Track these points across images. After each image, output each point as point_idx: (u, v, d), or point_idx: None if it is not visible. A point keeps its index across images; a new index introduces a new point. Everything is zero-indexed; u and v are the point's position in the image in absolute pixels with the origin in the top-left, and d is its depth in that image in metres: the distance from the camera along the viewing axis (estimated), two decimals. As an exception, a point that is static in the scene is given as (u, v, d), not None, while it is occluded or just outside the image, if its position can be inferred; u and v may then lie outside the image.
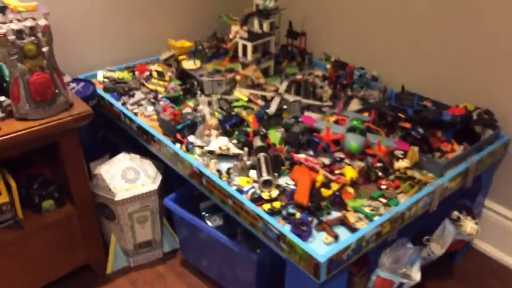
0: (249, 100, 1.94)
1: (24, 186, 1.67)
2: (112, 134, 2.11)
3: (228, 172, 1.53)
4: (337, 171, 1.50)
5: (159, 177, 1.83)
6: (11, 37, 1.35)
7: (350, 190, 1.45)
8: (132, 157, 1.84)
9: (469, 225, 1.63)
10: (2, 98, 1.48)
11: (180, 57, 2.25)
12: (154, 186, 1.79)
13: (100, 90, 2.01)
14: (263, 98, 1.93)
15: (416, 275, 1.46)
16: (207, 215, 1.74)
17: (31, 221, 1.66)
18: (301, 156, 1.55)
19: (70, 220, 1.72)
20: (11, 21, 1.38)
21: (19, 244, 1.62)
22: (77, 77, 2.05)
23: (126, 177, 1.77)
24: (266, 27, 2.20)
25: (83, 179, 1.69)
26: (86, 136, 1.73)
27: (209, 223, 1.70)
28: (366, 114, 1.81)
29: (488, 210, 1.95)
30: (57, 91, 1.47)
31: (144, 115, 1.87)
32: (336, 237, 1.27)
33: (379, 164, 1.53)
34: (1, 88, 1.53)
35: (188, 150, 1.63)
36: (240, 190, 1.44)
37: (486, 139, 1.68)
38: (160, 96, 1.93)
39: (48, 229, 1.68)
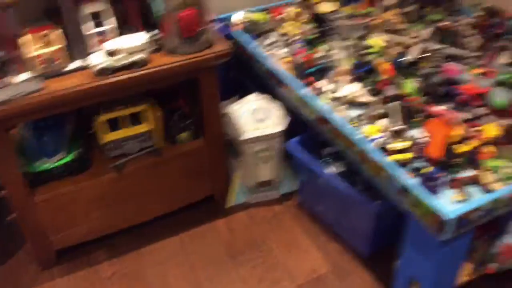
0: (387, 47, 1.84)
1: (168, 119, 1.82)
2: (243, 75, 2.18)
3: (358, 118, 1.50)
4: (478, 128, 1.38)
5: (287, 119, 1.87)
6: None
7: (491, 148, 1.33)
8: (262, 98, 1.90)
9: None
10: (155, 31, 1.59)
11: None
12: (281, 127, 1.83)
13: (235, 32, 2.06)
14: (403, 45, 1.81)
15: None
16: (329, 160, 1.74)
17: (169, 150, 1.82)
18: (439, 108, 1.45)
19: (201, 153, 1.86)
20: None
21: (157, 169, 1.80)
22: (218, 17, 2.12)
23: (255, 116, 1.84)
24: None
25: (217, 116, 1.80)
26: (219, 75, 1.82)
27: (330, 170, 1.71)
28: (518, 68, 1.62)
29: None
30: (202, 28, 1.55)
31: (278, 57, 1.88)
32: (467, 197, 1.19)
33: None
34: (153, 24, 1.65)
35: (317, 94, 1.62)
36: (368, 139, 1.41)
37: None
38: (295, 38, 1.92)
39: (182, 158, 1.83)
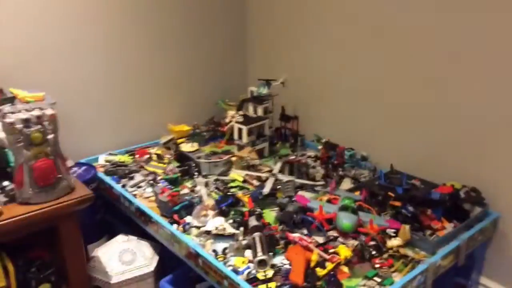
0: (245, 181, 2.00)
1: (22, 270, 1.67)
2: (111, 216, 2.14)
3: (224, 252, 1.54)
4: (331, 250, 1.52)
5: (156, 258, 1.84)
6: (19, 126, 1.43)
7: (345, 269, 1.46)
8: (129, 239, 1.86)
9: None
10: (6, 183, 1.53)
11: (179, 141, 2.35)
12: (151, 268, 1.79)
13: (101, 173, 2.07)
14: (258, 178, 1.99)
15: None
16: (203, 296, 1.73)
17: (26, 306, 1.64)
18: (296, 235, 1.57)
19: (65, 304, 1.70)
20: (19, 111, 1.46)
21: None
22: (79, 161, 2.12)
23: (122, 259, 1.78)
24: (260, 111, 2.32)
25: (81, 262, 1.69)
26: (85, 218, 1.76)
27: (205, 305, 1.69)
28: (357, 193, 1.87)
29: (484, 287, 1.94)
30: (59, 176, 1.53)
31: (143, 197, 1.92)
32: (331, 317, 1.27)
33: (372, 243, 1.55)
34: (5, 173, 1.59)
35: (185, 230, 1.66)
36: (236, 271, 1.45)
37: (475, 216, 1.72)
38: (159, 178, 1.99)
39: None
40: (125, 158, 2.20)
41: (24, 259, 1.69)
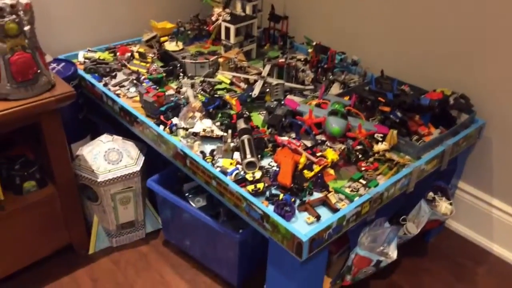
0: (232, 83, 1.94)
1: (5, 167, 1.64)
2: (93, 115, 2.08)
3: (212, 154, 1.53)
4: (318, 153, 1.51)
5: (142, 159, 1.83)
6: (-9, 15, 1.31)
7: (331, 171, 1.47)
8: (114, 139, 1.83)
9: (443, 206, 1.69)
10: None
11: (162, 39, 2.23)
12: (137, 167, 1.78)
13: (81, 71, 1.97)
14: (246, 81, 1.93)
15: (393, 253, 1.50)
16: (190, 196, 1.74)
17: (13, 202, 1.63)
18: (284, 138, 1.56)
19: (52, 201, 1.70)
20: (-10, -1, 1.33)
21: (0, 225, 1.60)
22: (57, 57, 2.01)
23: (108, 158, 1.76)
24: (248, 9, 2.18)
25: (65, 160, 1.67)
26: (67, 117, 1.70)
27: (192, 204, 1.71)
28: (347, 98, 1.83)
29: (462, 191, 2.01)
30: (39, 71, 1.44)
31: (127, 97, 1.85)
32: (318, 217, 1.29)
33: (359, 147, 1.55)
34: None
35: (171, 131, 1.62)
36: (224, 172, 1.45)
37: (462, 123, 1.72)
38: (142, 77, 1.91)
39: (30, 210, 1.66)
40: (106, 56, 2.09)
41: (7, 157, 1.66)
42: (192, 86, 1.87)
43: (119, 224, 1.87)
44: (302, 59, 2.12)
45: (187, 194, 1.74)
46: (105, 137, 1.83)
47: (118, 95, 1.85)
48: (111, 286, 1.77)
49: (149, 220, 1.96)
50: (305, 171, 1.43)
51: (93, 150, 1.78)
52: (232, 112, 1.70)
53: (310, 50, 2.11)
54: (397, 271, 1.87)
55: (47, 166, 1.67)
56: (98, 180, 1.72)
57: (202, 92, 1.84)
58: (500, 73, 1.76)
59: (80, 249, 1.86)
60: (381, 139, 1.58)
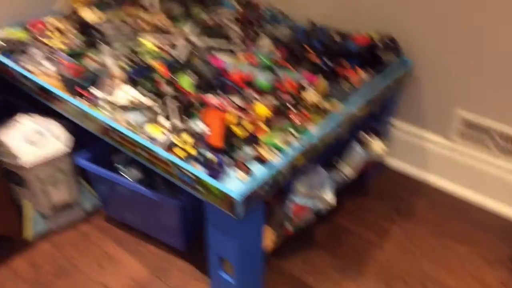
0: (157, 47, 1.81)
1: None
2: (12, 96, 1.90)
3: (138, 123, 1.42)
4: (250, 110, 1.44)
5: (68, 136, 1.69)
6: None
7: (263, 126, 1.40)
8: (34, 119, 1.68)
9: (376, 145, 1.68)
10: None
11: (78, 7, 2.04)
12: (63, 146, 1.65)
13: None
14: (172, 44, 1.80)
15: (331, 198, 1.48)
16: (123, 168, 1.64)
17: None
18: (213, 98, 1.47)
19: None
20: None
21: None
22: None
23: (30, 140, 1.62)
24: (168, -32, 2.03)
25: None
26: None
27: (126, 176, 1.61)
28: (276, 51, 1.75)
29: (398, 130, 2.02)
30: None
31: (44, 74, 1.68)
32: (250, 174, 1.24)
33: (290, 99, 1.49)
34: None
35: (94, 105, 1.50)
36: (152, 140, 1.35)
37: (391, 65, 1.69)
38: (60, 52, 1.74)
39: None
40: (17, 33, 1.89)
41: None
42: (114, 55, 1.73)
43: (53, 206, 1.75)
44: (229, 17, 2.01)
45: (118, 166, 1.64)
46: (26, 119, 1.68)
47: (34, 73, 1.68)
48: (53, 269, 1.67)
49: (87, 198, 1.85)
50: (236, 129, 1.36)
51: (13, 133, 1.63)
52: (158, 78, 1.59)
53: (237, 7, 2.01)
54: (340, 214, 1.88)
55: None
56: (22, 164, 1.59)
57: (125, 60, 1.70)
58: (426, 12, 1.73)
59: (16, 237, 1.74)
60: (310, 89, 1.53)
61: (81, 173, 1.79)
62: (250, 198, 1.20)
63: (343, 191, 1.68)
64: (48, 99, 1.62)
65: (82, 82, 1.54)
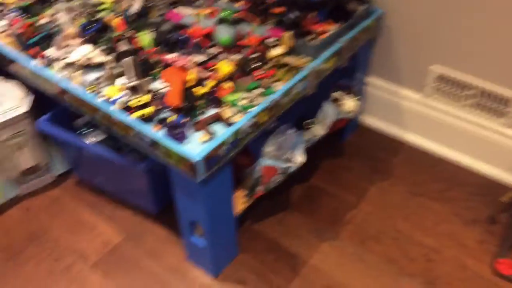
0: (116, 1, 1.68)
1: None
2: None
3: (96, 81, 1.34)
4: (212, 68, 1.36)
5: (29, 98, 1.60)
6: None
7: (226, 85, 1.33)
8: (-9, 81, 1.58)
9: (348, 103, 1.61)
10: None
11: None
12: (23, 108, 1.57)
13: None
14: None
15: (300, 157, 1.43)
16: (86, 131, 1.57)
17: None
18: (172, 56, 1.38)
19: None
20: None
21: None
22: None
23: (-13, 102, 1.53)
24: None
25: None
26: None
27: (89, 140, 1.54)
28: (238, 4, 1.64)
29: (371, 86, 1.95)
30: None
31: (-5, 32, 1.56)
32: (212, 135, 1.17)
33: (254, 55, 1.40)
34: None
35: (48, 65, 1.40)
36: (109, 101, 1.27)
37: (359, 14, 1.60)
38: (9, 7, 1.61)
39: None
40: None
41: None
42: (69, 10, 1.60)
43: (21, 171, 1.69)
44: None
45: (83, 130, 1.57)
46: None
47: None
48: (24, 234, 1.64)
49: (57, 161, 1.78)
50: (197, 88, 1.28)
51: (-31, 97, 1.54)
52: (114, 34, 1.48)
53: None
54: (316, 174, 1.85)
55: None
56: (-21, 130, 1.51)
57: (80, 15, 1.58)
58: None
59: (-16, 204, 1.68)
60: (276, 44, 1.44)
61: (50, 137, 1.72)
62: (211, 160, 1.14)
63: (316, 149, 1.62)
64: (2, 60, 1.52)
65: (34, 41, 1.43)
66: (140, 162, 1.45)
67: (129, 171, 1.50)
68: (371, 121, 2.05)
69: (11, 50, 1.46)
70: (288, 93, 1.34)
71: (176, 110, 1.24)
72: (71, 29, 1.47)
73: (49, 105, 1.58)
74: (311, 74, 1.40)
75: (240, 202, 1.47)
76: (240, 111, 1.26)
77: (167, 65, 1.37)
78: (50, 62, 1.40)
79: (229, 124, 1.22)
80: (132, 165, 1.46)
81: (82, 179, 1.79)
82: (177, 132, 1.17)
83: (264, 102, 1.27)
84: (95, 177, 1.72)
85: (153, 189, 1.55)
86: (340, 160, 1.92)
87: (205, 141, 1.17)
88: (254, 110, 1.25)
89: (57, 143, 1.68)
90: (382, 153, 1.95)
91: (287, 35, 1.42)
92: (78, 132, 1.58)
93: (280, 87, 1.33)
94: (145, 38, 1.48)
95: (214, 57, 1.41)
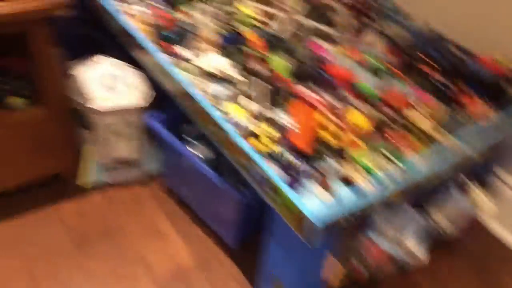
0: (254, 18, 1.57)
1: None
2: (100, 33, 1.74)
3: (218, 96, 1.22)
4: (343, 114, 1.19)
5: (147, 90, 1.52)
6: None
7: (356, 139, 1.15)
8: (117, 64, 1.52)
9: (480, 197, 1.35)
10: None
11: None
12: (140, 99, 1.49)
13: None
14: (271, 16, 1.55)
15: (419, 250, 1.18)
16: (191, 140, 1.45)
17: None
18: (305, 90, 1.23)
19: (41, 123, 1.45)
20: None
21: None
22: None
23: (107, 84, 1.47)
24: None
25: (57, 78, 1.40)
26: (66, 31, 1.40)
27: (193, 150, 1.42)
28: (384, 51, 1.47)
29: (505, 185, 1.59)
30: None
31: (129, 14, 1.49)
32: (333, 194, 1.00)
33: (392, 113, 1.22)
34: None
35: (177, 63, 1.30)
36: (229, 119, 1.14)
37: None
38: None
39: (16, 129, 1.41)
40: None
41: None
42: (206, 13, 1.50)
43: (114, 159, 1.61)
44: (343, 2, 1.71)
45: (186, 137, 1.45)
46: (108, 59, 1.53)
47: (124, 11, 1.49)
48: (100, 226, 1.54)
49: (150, 160, 1.69)
50: (325, 134, 1.12)
51: (92, 72, 1.49)
52: (249, 50, 1.36)
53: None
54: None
55: (37, 84, 1.39)
56: (94, 107, 1.45)
57: (217, 21, 1.47)
58: None
59: (70, 180, 1.63)
60: (419, 107, 1.24)
61: (151, 135, 1.63)
62: (331, 227, 0.96)
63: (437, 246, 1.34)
64: (130, 45, 1.45)
65: (170, 34, 1.34)
66: (238, 191, 1.30)
67: (223, 196, 1.36)
68: (495, 224, 1.69)
69: (144, 37, 1.38)
70: (428, 176, 1.12)
71: (299, 152, 1.08)
72: (209, 34, 1.38)
73: (162, 101, 1.49)
74: (460, 160, 1.18)
75: (335, 274, 1.23)
76: (370, 176, 1.06)
77: (296, 96, 1.21)
78: (180, 61, 1.31)
79: (354, 188, 1.03)
80: (229, 191, 1.31)
81: (169, 185, 1.67)
82: (296, 178, 1.01)
83: (402, 181, 1.06)
84: (183, 189, 1.59)
85: (241, 224, 1.40)
86: (447, 257, 1.59)
87: (325, 200, 0.99)
88: (389, 186, 1.05)
89: (158, 142, 1.58)
90: (497, 265, 1.60)
91: (439, 105, 1.21)
92: (183, 139, 1.47)
93: (419, 163, 1.11)
94: (280, 62, 1.34)
95: (348, 102, 1.24)
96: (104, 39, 1.70)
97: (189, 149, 1.43)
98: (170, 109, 1.47)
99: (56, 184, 1.61)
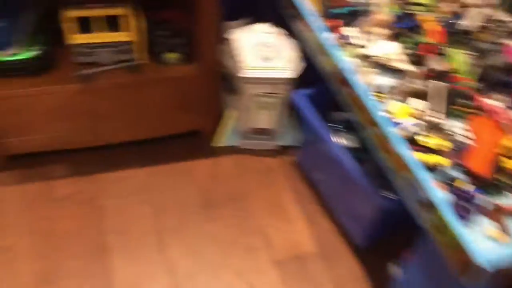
0: (440, 1, 1.34)
1: (153, 31, 1.37)
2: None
3: (387, 90, 1.06)
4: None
5: (300, 64, 1.42)
6: None
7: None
8: (275, 31, 1.43)
9: None
10: None
11: None
12: (291, 73, 1.39)
13: None
14: (460, 3, 1.32)
15: None
16: (340, 128, 1.33)
17: (153, 70, 1.40)
18: (494, 102, 1.01)
19: (192, 79, 1.44)
20: None
21: (135, 89, 1.40)
22: None
23: (261, 52, 1.40)
24: None
25: (214, 39, 1.36)
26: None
27: (338, 139, 1.30)
28: None
29: None
30: None
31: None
32: (507, 236, 0.81)
33: None
34: None
35: (340, 44, 1.17)
36: (392, 120, 0.99)
37: None
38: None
39: (167, 82, 1.42)
40: None
41: (154, 18, 1.38)
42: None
43: (253, 128, 1.56)
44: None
45: (336, 125, 1.33)
46: (265, 26, 1.46)
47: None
48: (227, 190, 1.52)
49: (287, 133, 1.61)
50: (508, 161, 0.91)
51: (247, 37, 1.43)
52: (423, 40, 1.16)
53: None
54: None
55: (193, 41, 1.38)
56: (243, 75, 1.39)
57: (397, 2, 1.29)
58: None
59: (206, 139, 1.62)
60: None
61: (293, 109, 1.53)
62: (495, 272, 0.79)
63: None
64: (293, 16, 1.34)
65: (342, 12, 1.20)
66: (381, 195, 1.16)
67: (362, 195, 1.23)
68: None
69: (310, 12, 1.26)
70: None
71: (474, 177, 0.90)
72: (382, 15, 1.21)
73: (313, 79, 1.37)
74: None
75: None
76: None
77: (480, 110, 1.01)
78: (345, 43, 1.17)
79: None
80: (370, 192, 1.18)
81: (302, 164, 1.58)
82: (465, 207, 0.84)
83: None
84: (317, 173, 1.49)
85: (374, 226, 1.27)
86: None
87: (495, 239, 0.81)
88: None
89: (301, 121, 1.49)
90: None
91: None
92: (330, 124, 1.35)
93: None
94: (463, 60, 1.13)
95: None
96: (265, 4, 1.61)
97: (333, 136, 1.31)
98: (318, 87, 1.36)
99: (192, 141, 1.62)
